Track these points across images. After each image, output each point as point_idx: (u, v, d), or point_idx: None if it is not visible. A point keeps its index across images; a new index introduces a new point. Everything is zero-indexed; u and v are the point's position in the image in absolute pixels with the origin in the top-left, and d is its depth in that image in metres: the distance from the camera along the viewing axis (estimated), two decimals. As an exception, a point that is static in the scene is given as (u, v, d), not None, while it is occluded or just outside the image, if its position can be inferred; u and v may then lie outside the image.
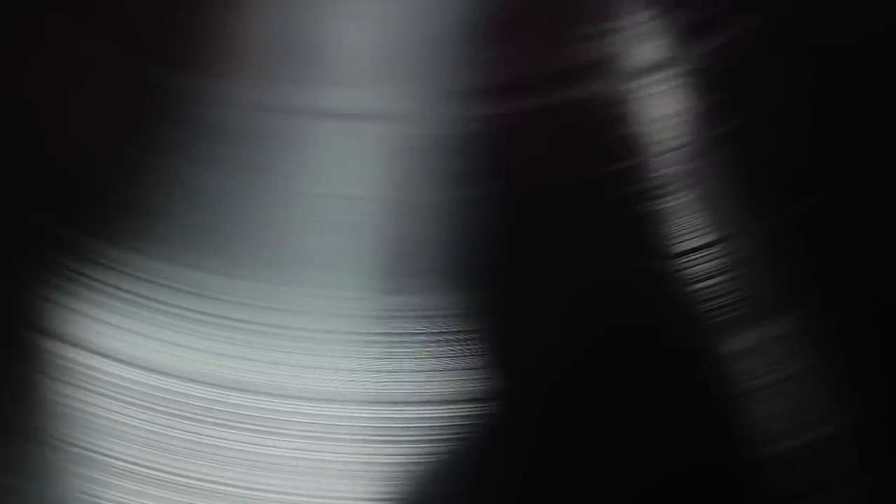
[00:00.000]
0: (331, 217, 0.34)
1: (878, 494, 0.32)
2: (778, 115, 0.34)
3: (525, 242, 0.34)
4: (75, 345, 0.33)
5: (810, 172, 0.34)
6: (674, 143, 0.34)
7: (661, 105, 0.34)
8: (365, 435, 0.32)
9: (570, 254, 0.34)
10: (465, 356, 0.33)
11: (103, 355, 0.33)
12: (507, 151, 0.34)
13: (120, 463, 0.32)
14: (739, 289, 0.33)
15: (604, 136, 0.34)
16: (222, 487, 0.32)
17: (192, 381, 0.33)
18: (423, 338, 0.33)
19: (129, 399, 0.33)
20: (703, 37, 0.35)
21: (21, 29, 0.35)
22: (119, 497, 0.32)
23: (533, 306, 0.33)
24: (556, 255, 0.34)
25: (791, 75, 0.35)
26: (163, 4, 0.35)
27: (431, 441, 0.32)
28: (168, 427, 0.33)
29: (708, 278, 0.33)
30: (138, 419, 0.33)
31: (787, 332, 0.33)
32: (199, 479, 0.32)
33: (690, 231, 0.33)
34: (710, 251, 0.33)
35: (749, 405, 0.32)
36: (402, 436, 0.32)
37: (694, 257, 0.33)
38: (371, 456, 0.32)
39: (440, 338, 0.33)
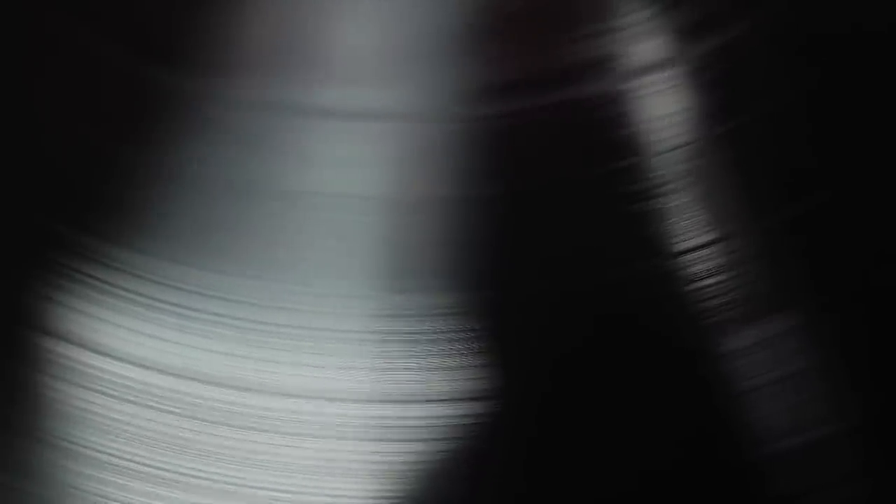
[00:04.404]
0: (331, 217, 0.34)
1: (877, 495, 0.32)
2: (778, 115, 0.34)
3: (525, 242, 0.34)
4: (75, 343, 0.33)
5: (810, 172, 0.34)
6: (673, 142, 0.34)
7: (661, 104, 0.34)
8: (364, 434, 0.32)
9: (569, 253, 0.34)
10: (465, 356, 0.33)
11: (104, 354, 0.33)
12: (507, 151, 0.34)
13: (120, 461, 0.33)
14: (739, 288, 0.33)
15: (603, 136, 0.34)
16: (223, 485, 0.32)
17: (192, 379, 0.33)
18: (423, 337, 0.33)
19: (129, 397, 0.33)
20: (702, 36, 0.35)
21: (22, 29, 0.35)
22: (120, 496, 0.32)
23: (532, 306, 0.33)
24: (555, 255, 0.34)
25: (791, 74, 0.35)
26: (163, 4, 0.35)
27: (431, 440, 0.32)
28: (168, 425, 0.33)
29: (707, 277, 0.33)
30: (138, 417, 0.33)
31: (787, 331, 0.33)
32: (199, 478, 0.32)
33: (690, 230, 0.33)
34: (710, 250, 0.33)
35: (748, 404, 0.32)
36: (402, 435, 0.32)
37: (693, 256, 0.33)
38: (371, 455, 0.32)
39: (440, 337, 0.33)
